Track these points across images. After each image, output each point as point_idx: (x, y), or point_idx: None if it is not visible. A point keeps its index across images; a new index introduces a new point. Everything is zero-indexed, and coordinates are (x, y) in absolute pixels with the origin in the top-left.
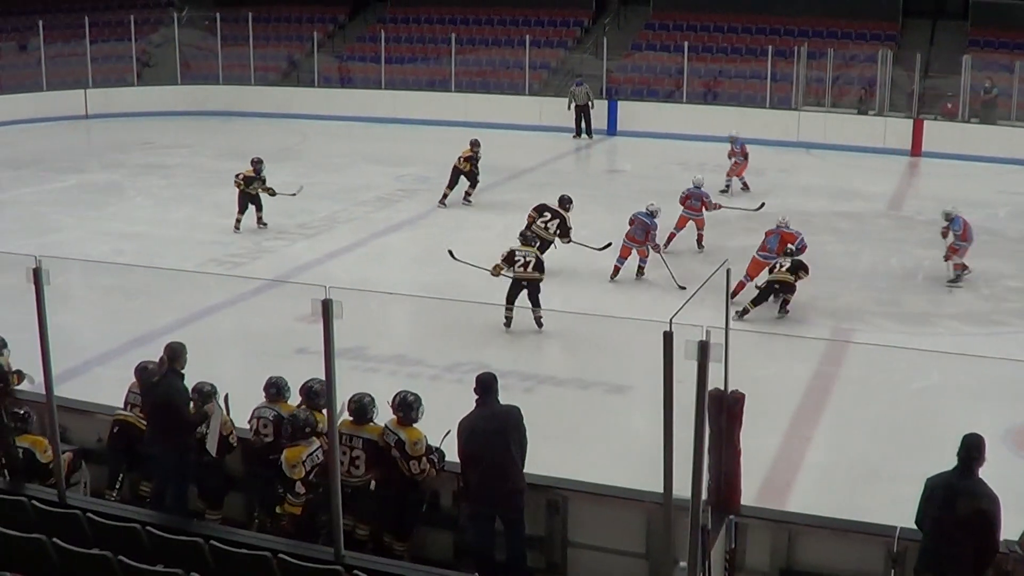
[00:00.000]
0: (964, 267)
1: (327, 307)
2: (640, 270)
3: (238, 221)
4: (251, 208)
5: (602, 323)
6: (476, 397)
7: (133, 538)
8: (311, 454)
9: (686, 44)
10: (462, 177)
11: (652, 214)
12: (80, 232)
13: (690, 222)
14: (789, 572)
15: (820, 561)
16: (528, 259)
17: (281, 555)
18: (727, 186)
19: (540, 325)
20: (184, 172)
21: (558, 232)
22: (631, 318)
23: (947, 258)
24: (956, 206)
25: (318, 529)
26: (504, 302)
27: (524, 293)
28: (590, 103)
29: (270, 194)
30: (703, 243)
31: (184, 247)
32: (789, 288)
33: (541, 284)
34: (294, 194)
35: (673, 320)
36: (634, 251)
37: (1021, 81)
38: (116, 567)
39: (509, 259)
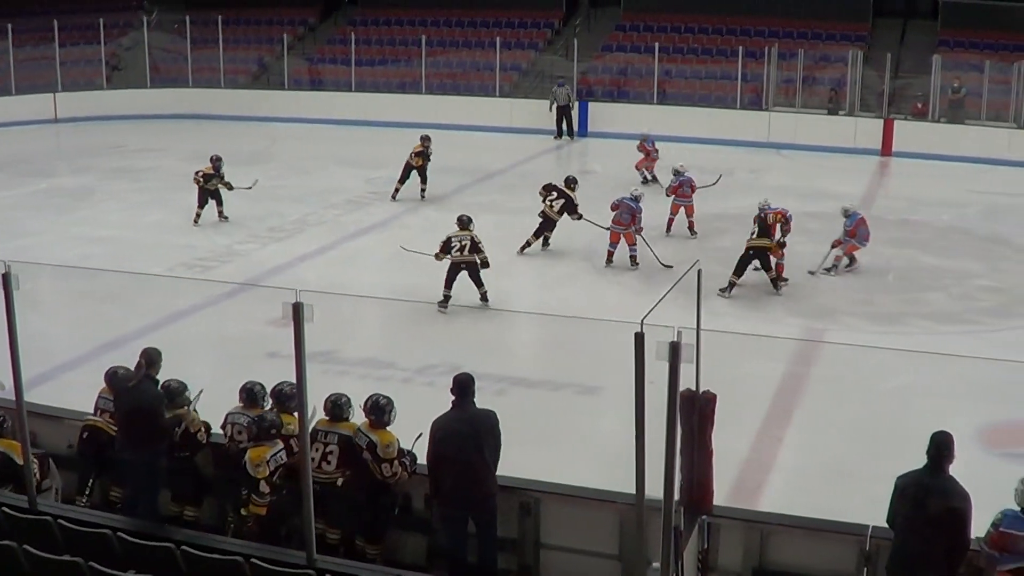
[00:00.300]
0: (851, 260)
1: (298, 310)
2: (633, 259)
3: (198, 215)
4: (212, 204)
5: (573, 324)
6: (453, 398)
7: (104, 544)
8: (275, 454)
9: (656, 45)
10: (414, 172)
11: (636, 199)
12: (50, 236)
13: (681, 208)
14: (762, 572)
15: (792, 561)
16: (463, 243)
17: (253, 560)
18: (645, 178)
19: (485, 300)
20: (154, 176)
21: (563, 211)
22: (602, 319)
23: (833, 246)
24: (855, 203)
25: (290, 532)
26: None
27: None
28: (571, 104)
29: (228, 188)
30: (695, 228)
31: (154, 251)
32: (765, 256)
33: (480, 264)
34: (250, 187)
35: (644, 321)
36: (622, 237)
37: (991, 81)
38: (87, 573)
39: (445, 246)
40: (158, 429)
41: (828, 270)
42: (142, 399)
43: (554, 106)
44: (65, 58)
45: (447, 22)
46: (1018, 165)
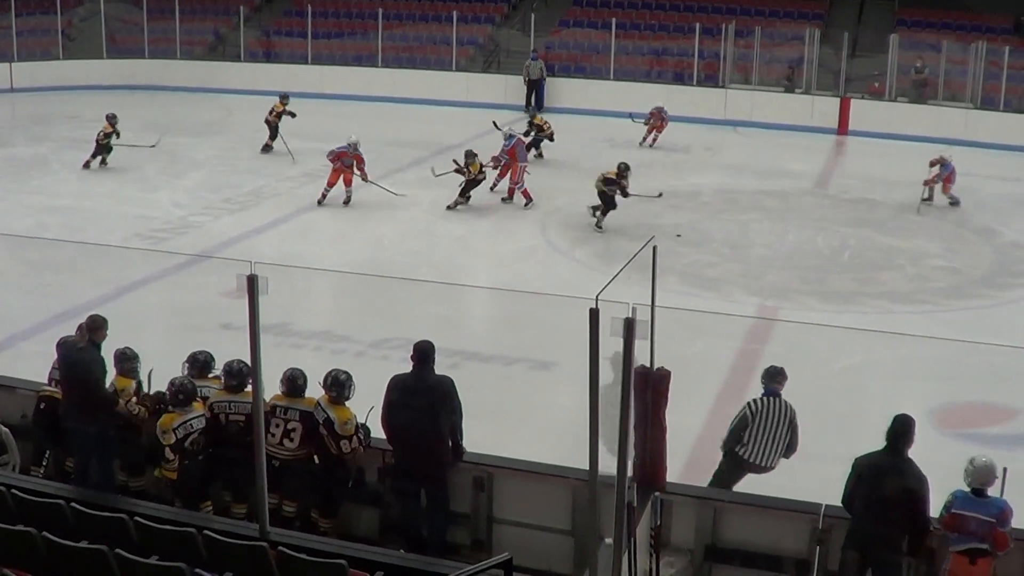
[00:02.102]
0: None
1: (252, 282)
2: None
3: (87, 164)
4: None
5: (527, 299)
6: (412, 364)
7: (57, 514)
8: (185, 422)
9: (614, 21)
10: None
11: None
12: (3, 206)
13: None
14: (714, 549)
15: (745, 538)
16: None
17: (206, 532)
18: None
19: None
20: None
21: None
22: (557, 294)
23: (927, 183)
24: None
25: (216, 503)
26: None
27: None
28: (543, 78)
29: (119, 144)
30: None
31: (109, 221)
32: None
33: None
34: (153, 145)
35: (599, 297)
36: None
37: (948, 61)
38: (40, 543)
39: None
40: (100, 396)
41: (925, 200)
42: (82, 365)
43: (527, 79)
44: (21, 28)
45: None
46: (974, 145)
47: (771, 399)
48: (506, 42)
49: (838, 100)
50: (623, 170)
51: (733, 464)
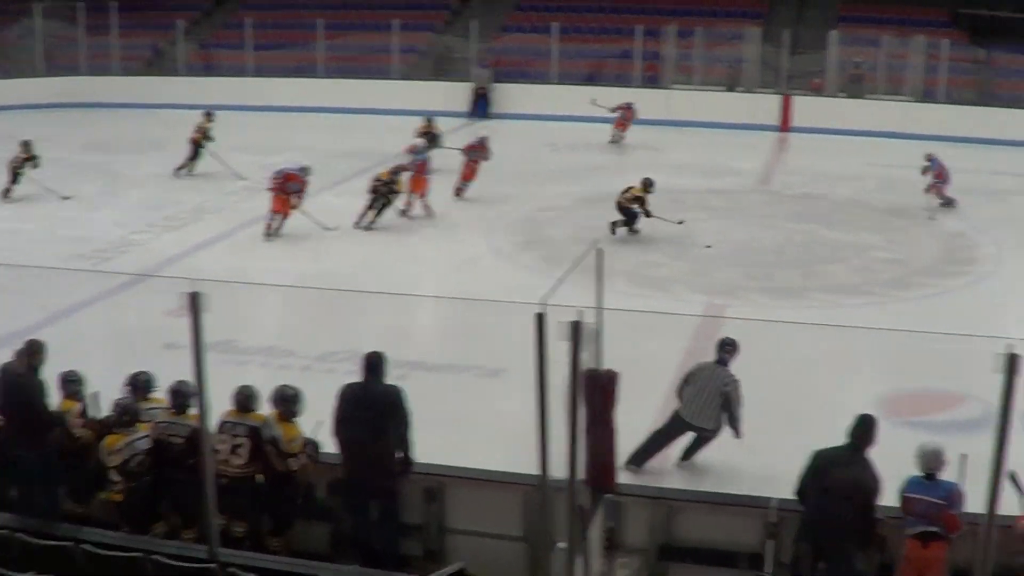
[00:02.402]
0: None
1: (194, 300)
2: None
3: (7, 191)
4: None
5: (474, 307)
6: (363, 375)
7: (2, 546)
8: (130, 443)
9: (556, 25)
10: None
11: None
12: None
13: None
14: (668, 548)
15: (699, 535)
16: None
17: (154, 556)
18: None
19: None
20: (47, 166)
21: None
22: (503, 300)
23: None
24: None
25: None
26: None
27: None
28: (489, 86)
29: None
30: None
31: (48, 243)
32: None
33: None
34: (67, 198)
35: (545, 301)
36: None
37: (888, 55)
38: None
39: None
40: (43, 420)
41: (944, 205)
42: (22, 390)
43: (474, 87)
44: None
45: (344, 5)
46: (914, 138)
47: (713, 364)
48: (448, 49)
49: (780, 98)
50: (648, 185)
51: (673, 417)
